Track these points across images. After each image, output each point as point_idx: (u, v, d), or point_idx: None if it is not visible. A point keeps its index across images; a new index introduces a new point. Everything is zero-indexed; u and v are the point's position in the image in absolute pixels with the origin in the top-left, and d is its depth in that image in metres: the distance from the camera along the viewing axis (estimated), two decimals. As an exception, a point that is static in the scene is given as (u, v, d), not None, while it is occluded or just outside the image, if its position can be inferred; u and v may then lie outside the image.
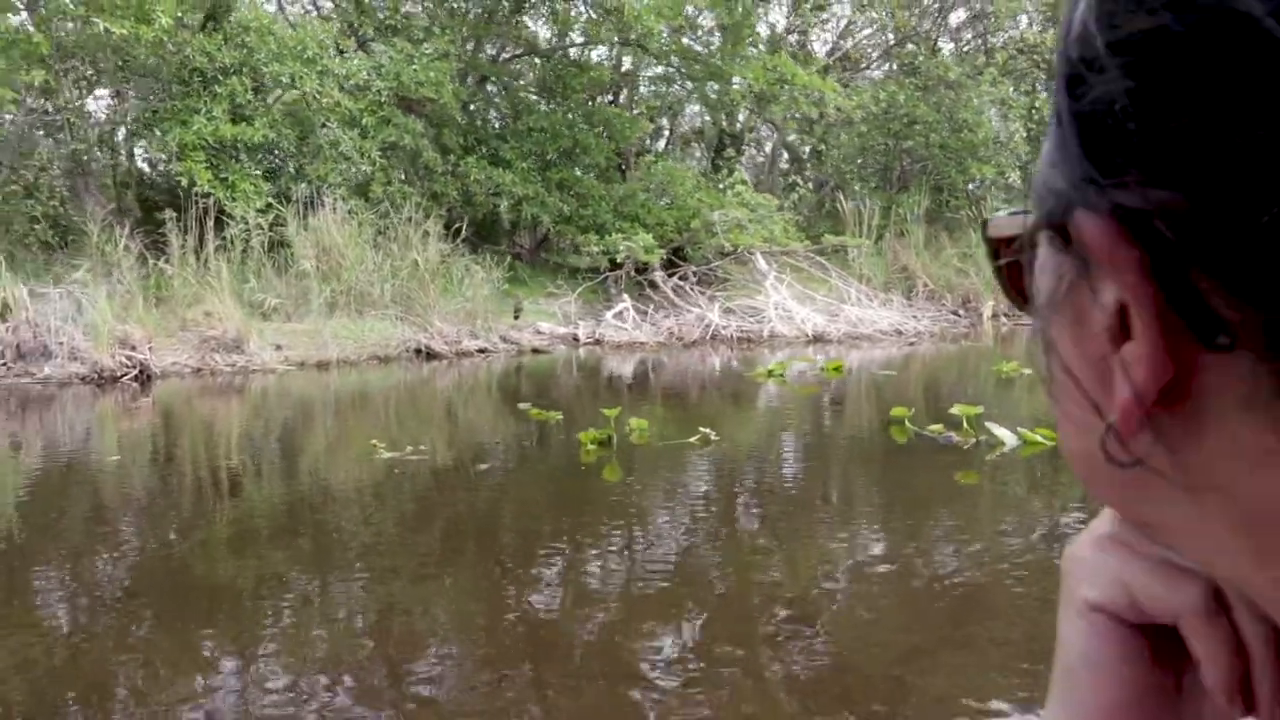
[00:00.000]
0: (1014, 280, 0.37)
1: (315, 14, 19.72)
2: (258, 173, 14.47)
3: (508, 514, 5.95)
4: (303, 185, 14.64)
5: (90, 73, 15.57)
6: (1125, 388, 0.31)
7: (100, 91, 16.21)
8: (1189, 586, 0.37)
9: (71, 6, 13.33)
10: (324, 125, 15.20)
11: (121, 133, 16.68)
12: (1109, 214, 0.29)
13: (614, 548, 5.11)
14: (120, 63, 14.72)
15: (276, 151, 15.01)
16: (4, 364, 11.22)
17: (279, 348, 12.60)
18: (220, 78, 14.58)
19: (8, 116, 14.71)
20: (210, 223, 13.27)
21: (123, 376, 11.31)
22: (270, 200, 14.15)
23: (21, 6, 14.15)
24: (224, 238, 13.50)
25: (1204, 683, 0.38)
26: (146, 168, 16.09)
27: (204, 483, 6.89)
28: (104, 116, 16.56)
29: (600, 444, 7.18)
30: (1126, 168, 0.28)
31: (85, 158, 15.68)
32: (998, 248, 0.38)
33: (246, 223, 13.67)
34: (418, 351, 13.48)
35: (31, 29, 13.46)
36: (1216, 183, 0.26)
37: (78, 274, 12.59)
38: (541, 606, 4.22)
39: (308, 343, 12.82)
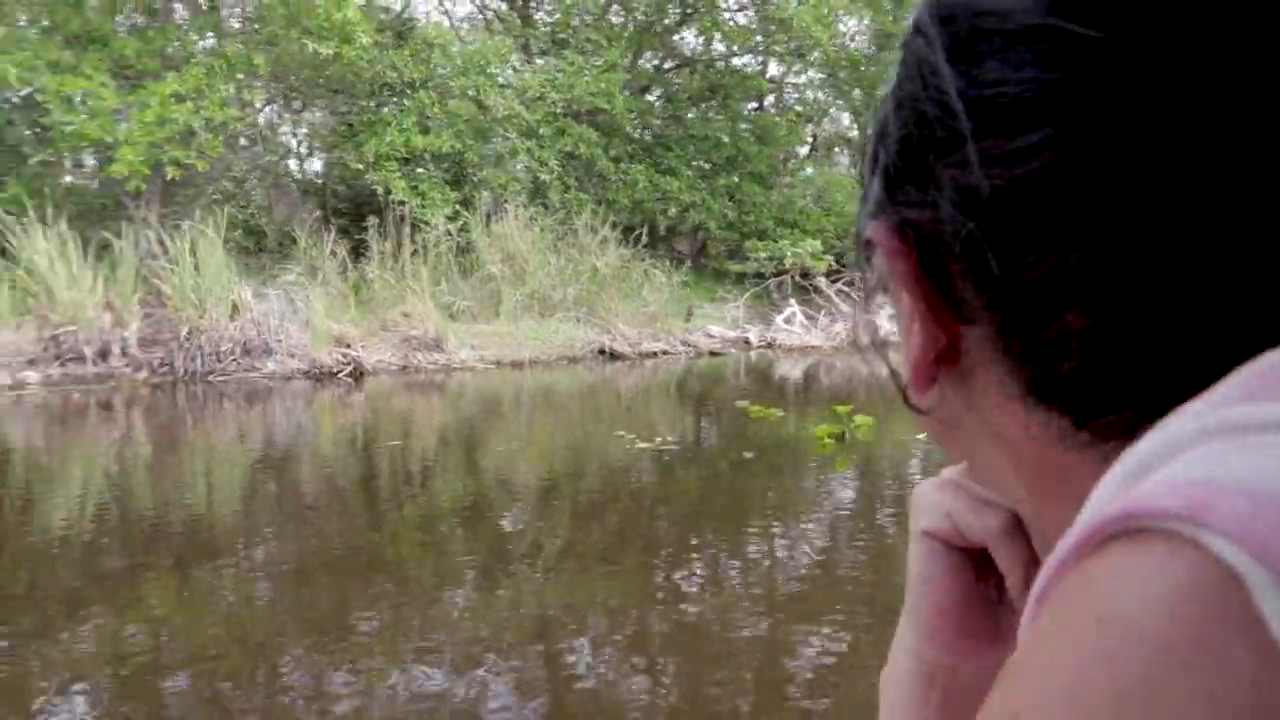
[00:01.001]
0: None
1: (485, 27, 20.51)
2: (445, 181, 15.23)
3: (794, 492, 6.30)
4: (485, 193, 15.35)
5: (288, 90, 16.55)
6: (909, 352, 0.41)
7: (296, 106, 17.18)
8: (994, 516, 0.46)
9: (282, 31, 14.22)
10: (504, 136, 15.90)
11: (312, 144, 17.69)
12: (890, 223, 0.41)
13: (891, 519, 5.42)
14: (319, 80, 15.63)
15: (461, 160, 15.75)
16: (234, 360, 12.08)
17: (473, 347, 13.24)
18: (409, 91, 15.40)
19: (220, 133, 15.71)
20: (407, 229, 14.02)
21: (339, 373, 12.07)
22: (457, 207, 14.88)
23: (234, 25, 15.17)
24: (415, 242, 14.24)
25: (1009, 593, 0.47)
26: (338, 178, 17.00)
27: (492, 465, 7.40)
28: (302, 130, 17.61)
29: (835, 438, 7.49)
30: (900, 192, 0.40)
31: (280, 169, 16.64)
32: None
33: (436, 228, 14.40)
34: (600, 352, 13.99)
35: (239, 49, 14.43)
36: (937, 202, 0.38)
37: (289, 277, 13.46)
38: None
39: (499, 343, 13.44)
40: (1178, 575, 0.26)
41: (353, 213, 15.84)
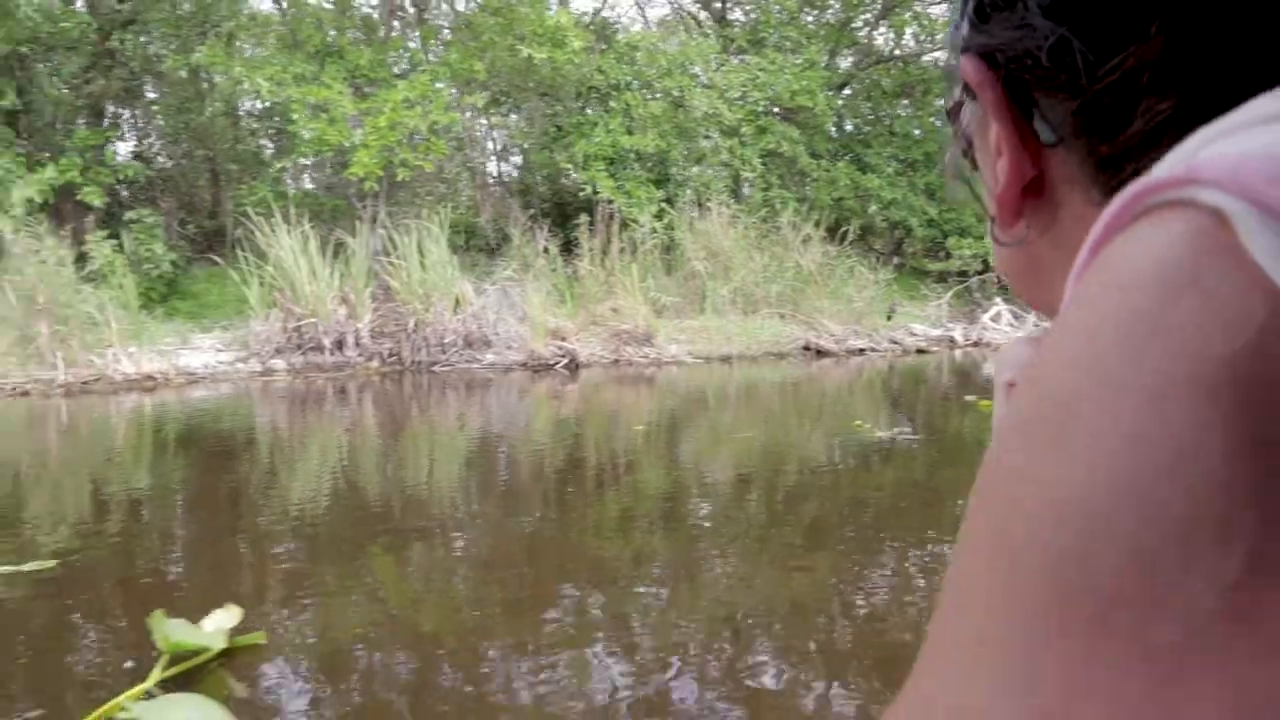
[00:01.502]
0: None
1: (681, 28, 20.82)
2: (649, 180, 15.55)
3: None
4: (688, 191, 15.59)
5: (499, 94, 17.23)
6: (997, 187, 0.43)
7: (503, 109, 17.87)
8: None
9: (497, 39, 14.82)
10: (706, 136, 16.10)
11: (512, 146, 18.37)
12: (975, 53, 0.43)
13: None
14: (530, 83, 16.22)
15: (664, 159, 16.05)
16: (456, 351, 12.70)
17: (680, 342, 13.48)
18: (614, 93, 15.80)
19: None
20: (615, 227, 14.40)
21: (555, 364, 12.50)
22: (662, 205, 15.18)
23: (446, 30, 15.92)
24: (622, 240, 14.59)
25: None
26: (542, 178, 17.59)
27: (745, 452, 7.58)
28: (502, 132, 18.33)
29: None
30: (986, 20, 0.42)
31: (485, 169, 17.32)
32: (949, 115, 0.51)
33: (642, 226, 14.72)
34: (806, 348, 14.00)
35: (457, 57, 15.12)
36: (1025, 19, 0.40)
37: (505, 273, 14.03)
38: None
39: (705, 338, 13.64)
40: (1171, 228, 0.29)
41: (555, 212, 16.36)
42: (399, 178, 13.43)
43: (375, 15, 15.63)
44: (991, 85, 0.42)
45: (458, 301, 12.95)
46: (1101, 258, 0.31)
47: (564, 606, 4.01)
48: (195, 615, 3.59)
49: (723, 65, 17.04)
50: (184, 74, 15.95)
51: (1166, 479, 0.23)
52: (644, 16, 21.75)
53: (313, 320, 12.41)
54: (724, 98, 16.10)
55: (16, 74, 14.74)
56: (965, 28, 0.44)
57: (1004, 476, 0.27)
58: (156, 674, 3.20)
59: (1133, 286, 0.28)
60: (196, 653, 3.34)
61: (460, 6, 16.47)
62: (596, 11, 18.69)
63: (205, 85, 16.28)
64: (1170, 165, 0.32)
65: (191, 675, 3.29)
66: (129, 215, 13.80)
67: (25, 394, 10.66)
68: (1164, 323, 0.26)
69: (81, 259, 12.37)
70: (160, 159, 16.89)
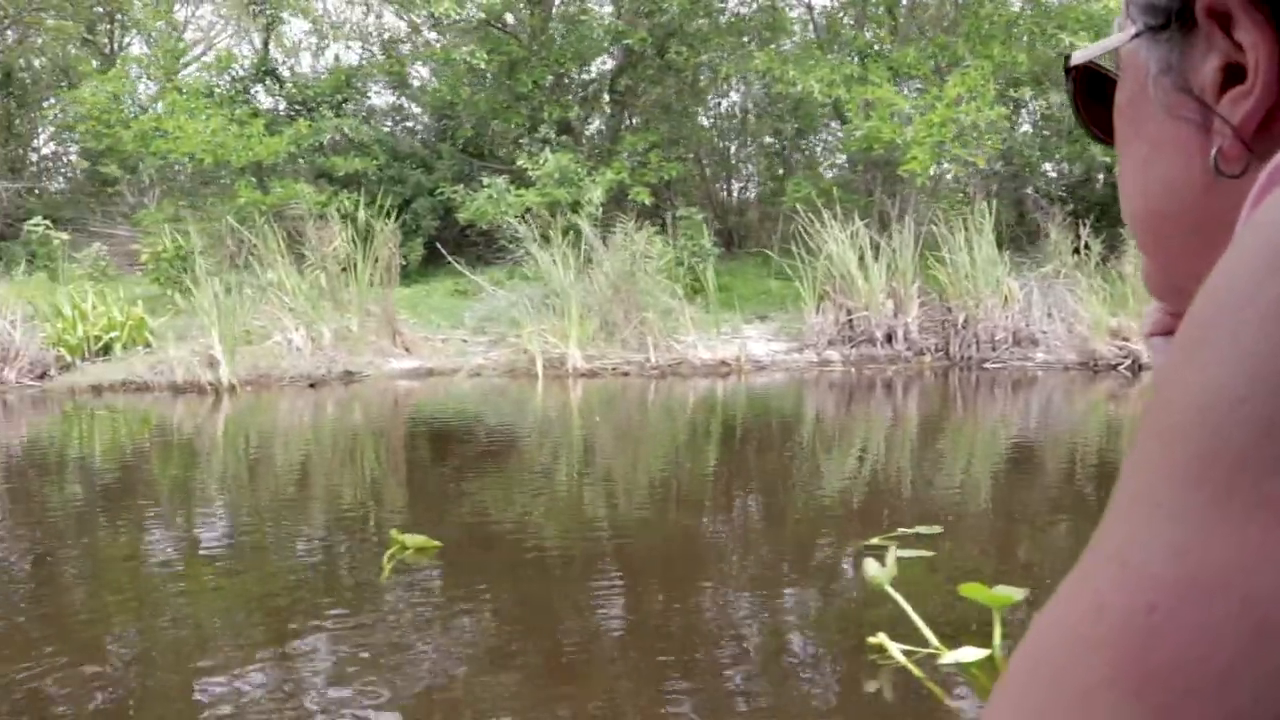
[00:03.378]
0: (1085, 105, 0.54)
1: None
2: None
3: None
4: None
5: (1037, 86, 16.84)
6: (1238, 112, 0.41)
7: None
8: None
9: (1035, 29, 14.42)
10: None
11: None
12: None
13: None
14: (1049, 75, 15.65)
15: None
16: (1006, 348, 12.54)
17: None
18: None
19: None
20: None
21: (1117, 365, 11.97)
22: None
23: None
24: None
25: None
26: (1075, 173, 16.96)
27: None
28: (1023, 127, 17.87)
29: None
30: None
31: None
32: (1075, 76, 0.53)
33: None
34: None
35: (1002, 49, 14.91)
36: None
37: (1045, 269, 13.66)
38: None
39: None
40: None
41: (1095, 209, 15.63)
42: (951, 174, 13.48)
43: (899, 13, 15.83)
44: (1254, 15, 0.40)
45: (1006, 298, 12.77)
46: (1260, 207, 0.33)
47: None
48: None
49: None
50: (703, 81, 17.10)
51: None
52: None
53: (864, 314, 12.77)
54: None
55: (577, 90, 16.54)
56: None
57: (1162, 383, 0.32)
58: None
59: (1271, 225, 0.31)
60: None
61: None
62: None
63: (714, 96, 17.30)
64: None
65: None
66: (681, 213, 14.95)
67: (625, 374, 11.87)
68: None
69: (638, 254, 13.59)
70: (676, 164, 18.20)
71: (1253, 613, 0.25)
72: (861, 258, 13.01)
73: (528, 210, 14.47)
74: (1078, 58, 0.54)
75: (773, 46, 15.07)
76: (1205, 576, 0.27)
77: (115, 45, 21.19)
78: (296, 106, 15.85)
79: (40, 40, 19.72)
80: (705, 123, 18.07)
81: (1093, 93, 0.54)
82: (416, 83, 17.87)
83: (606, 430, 8.95)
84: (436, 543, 4.62)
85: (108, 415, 9.75)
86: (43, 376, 11.34)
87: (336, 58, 17.67)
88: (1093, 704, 0.27)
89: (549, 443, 8.36)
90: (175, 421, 9.37)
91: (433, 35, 17.55)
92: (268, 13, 16.08)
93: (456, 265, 14.73)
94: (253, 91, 16.07)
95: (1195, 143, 0.45)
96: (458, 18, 15.24)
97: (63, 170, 21.74)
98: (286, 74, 16.71)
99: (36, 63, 19.81)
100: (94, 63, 18.84)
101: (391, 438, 8.76)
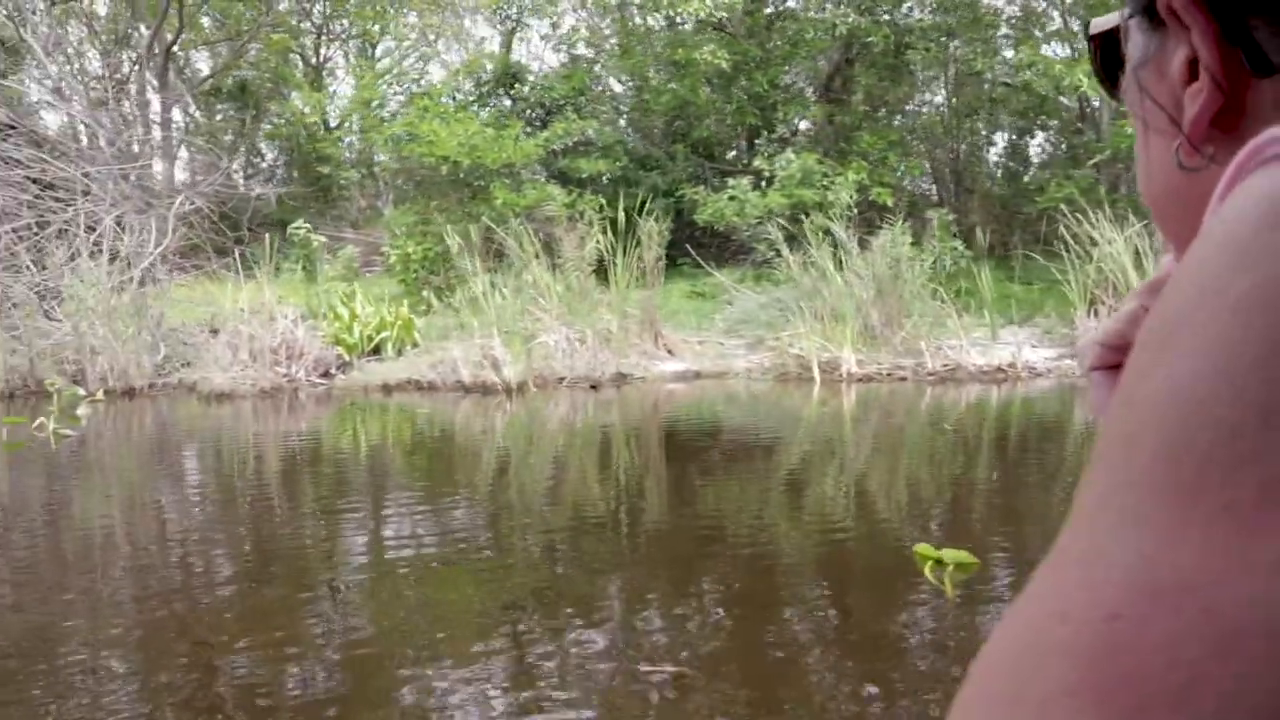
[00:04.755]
0: (1104, 65, 0.52)
1: None
2: None
3: None
4: None
5: None
6: (1193, 109, 0.42)
7: None
8: None
9: None
10: None
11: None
12: None
13: None
14: None
15: None
16: None
17: None
18: None
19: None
20: None
21: None
22: None
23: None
24: None
25: None
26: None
27: None
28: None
29: None
30: None
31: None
32: (1095, 44, 0.52)
33: None
34: None
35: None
36: None
37: None
38: None
39: None
40: (1263, 182, 0.31)
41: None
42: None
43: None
44: (1202, 15, 0.41)
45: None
46: (1226, 201, 0.34)
47: None
48: None
49: None
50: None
51: (1253, 371, 0.27)
52: None
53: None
54: None
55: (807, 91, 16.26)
56: None
57: (1128, 380, 0.31)
58: None
59: (1235, 220, 0.31)
60: None
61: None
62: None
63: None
64: None
65: None
66: (935, 214, 14.52)
67: (901, 379, 11.53)
68: (1256, 245, 0.30)
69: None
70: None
71: (1216, 622, 0.25)
72: (1138, 259, 12.38)
73: (769, 212, 14.28)
74: (1096, 26, 0.53)
75: (1032, 39, 14.49)
76: (1169, 584, 0.26)
77: (319, 57, 22.01)
78: (538, 109, 16.05)
79: (260, 54, 20.57)
80: (939, 119, 17.56)
81: (1119, 61, 0.51)
82: (654, 84, 17.89)
83: (967, 439, 8.50)
84: (974, 560, 4.30)
85: (423, 414, 9.96)
86: (326, 374, 11.70)
87: (573, 60, 17.84)
88: (1052, 712, 0.26)
89: (940, 447, 8.08)
90: (489, 420, 9.47)
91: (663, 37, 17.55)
92: (513, 18, 16.33)
93: (701, 265, 14.66)
94: (498, 95, 16.35)
95: (1172, 131, 0.45)
96: (701, 17, 15.16)
97: (280, 175, 22.63)
98: (529, 77, 16.91)
99: (252, 75, 20.66)
100: (297, 73, 19.54)
101: (815, 444, 8.63)
